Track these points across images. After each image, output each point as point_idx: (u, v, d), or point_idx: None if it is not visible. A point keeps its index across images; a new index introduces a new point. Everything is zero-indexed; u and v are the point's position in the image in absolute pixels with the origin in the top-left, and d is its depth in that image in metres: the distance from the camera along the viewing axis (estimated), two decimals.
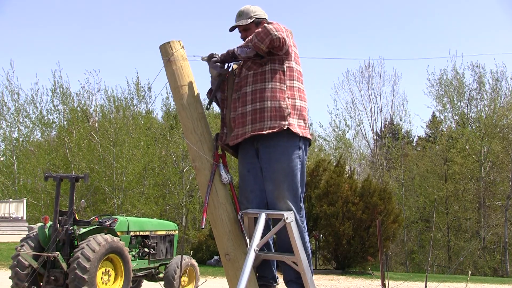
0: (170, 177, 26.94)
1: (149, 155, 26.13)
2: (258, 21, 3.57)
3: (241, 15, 3.59)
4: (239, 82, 3.45)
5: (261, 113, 3.28)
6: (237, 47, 3.36)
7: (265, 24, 3.29)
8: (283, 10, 57.68)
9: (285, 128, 3.25)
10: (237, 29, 3.65)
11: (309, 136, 3.45)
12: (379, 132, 34.53)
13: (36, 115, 27.65)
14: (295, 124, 3.32)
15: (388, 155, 32.45)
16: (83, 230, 7.04)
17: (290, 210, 3.25)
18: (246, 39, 3.37)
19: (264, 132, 3.25)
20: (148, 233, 8.51)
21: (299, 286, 3.32)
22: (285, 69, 3.38)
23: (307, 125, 3.46)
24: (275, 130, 3.25)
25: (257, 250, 3.01)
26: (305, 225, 3.40)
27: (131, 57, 56.53)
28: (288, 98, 3.33)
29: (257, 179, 3.41)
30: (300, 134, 3.34)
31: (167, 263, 8.63)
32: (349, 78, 37.32)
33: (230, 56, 3.37)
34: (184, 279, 8.63)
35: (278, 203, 3.29)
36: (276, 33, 3.21)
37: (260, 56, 3.35)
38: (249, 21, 3.53)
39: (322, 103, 70.49)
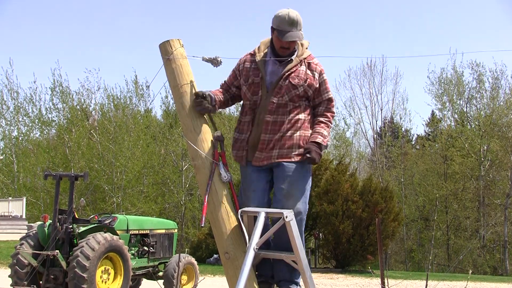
0: (170, 175, 26.97)
1: (149, 154, 26.15)
2: None
3: (294, 25, 3.42)
4: (278, 105, 3.43)
5: (290, 140, 3.42)
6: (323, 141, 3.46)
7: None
8: (285, 7, 57.56)
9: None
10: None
11: None
12: (379, 131, 34.56)
13: (35, 113, 27.69)
14: None
15: (388, 154, 32.47)
16: (82, 229, 7.03)
17: (298, 209, 3.31)
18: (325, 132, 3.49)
19: (293, 160, 3.39)
20: (147, 231, 8.50)
21: (291, 284, 3.37)
22: (311, 105, 3.60)
23: None
24: (303, 158, 3.40)
25: (256, 248, 3.01)
26: None
27: (130, 55, 56.56)
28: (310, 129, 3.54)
29: (260, 179, 3.45)
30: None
31: (167, 262, 8.63)
32: (351, 76, 37.20)
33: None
34: (184, 277, 8.63)
35: (286, 201, 3.32)
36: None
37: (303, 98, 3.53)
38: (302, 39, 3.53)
39: None
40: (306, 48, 3.57)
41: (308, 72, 3.48)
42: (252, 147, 3.47)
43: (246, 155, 3.50)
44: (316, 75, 3.50)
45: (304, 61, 3.50)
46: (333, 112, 3.62)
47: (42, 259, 6.80)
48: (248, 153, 3.49)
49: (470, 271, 15.91)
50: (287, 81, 3.41)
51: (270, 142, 3.41)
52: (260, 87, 3.45)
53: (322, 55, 3.76)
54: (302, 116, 3.47)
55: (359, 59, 39.35)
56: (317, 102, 3.57)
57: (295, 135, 3.42)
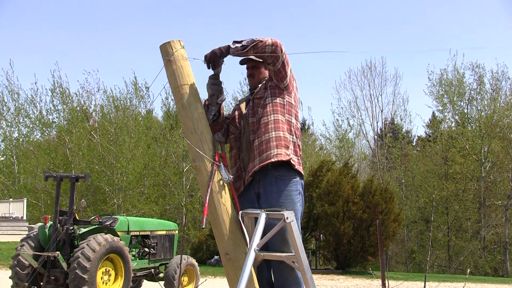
0: (171, 176, 26.93)
1: (149, 155, 26.13)
2: None
3: None
4: (255, 123, 3.46)
5: (267, 144, 3.34)
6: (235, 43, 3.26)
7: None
8: (285, 8, 57.77)
9: (289, 157, 3.33)
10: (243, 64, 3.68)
11: (303, 172, 3.54)
12: (379, 132, 34.57)
13: (36, 115, 27.71)
14: (295, 160, 3.41)
15: (389, 155, 32.46)
16: (83, 230, 7.05)
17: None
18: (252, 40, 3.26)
19: (273, 160, 3.29)
20: (148, 232, 8.51)
21: None
22: (285, 103, 3.46)
23: (301, 162, 3.53)
24: (283, 159, 3.31)
25: (257, 249, 3.01)
26: None
27: (130, 57, 56.59)
28: (286, 131, 3.41)
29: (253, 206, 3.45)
30: (301, 171, 3.44)
31: (167, 263, 8.64)
32: (351, 77, 37.29)
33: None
34: (184, 278, 8.64)
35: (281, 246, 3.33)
36: (284, 57, 3.31)
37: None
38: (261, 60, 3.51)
39: (323, 101, 70.39)
40: None
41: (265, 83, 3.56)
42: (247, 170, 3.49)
43: (243, 181, 3.50)
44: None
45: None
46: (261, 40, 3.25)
47: (43, 260, 6.80)
48: (235, 182, 3.51)
49: (468, 270, 15.84)
50: (255, 100, 3.52)
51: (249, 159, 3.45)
52: (241, 118, 3.58)
53: (323, 51, 3.76)
54: (271, 117, 3.39)
55: (358, 60, 39.45)
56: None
57: (270, 137, 3.34)
